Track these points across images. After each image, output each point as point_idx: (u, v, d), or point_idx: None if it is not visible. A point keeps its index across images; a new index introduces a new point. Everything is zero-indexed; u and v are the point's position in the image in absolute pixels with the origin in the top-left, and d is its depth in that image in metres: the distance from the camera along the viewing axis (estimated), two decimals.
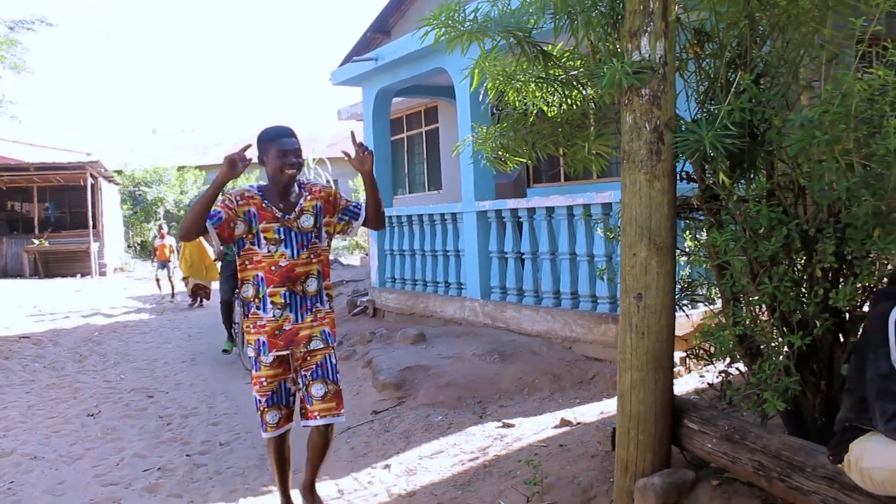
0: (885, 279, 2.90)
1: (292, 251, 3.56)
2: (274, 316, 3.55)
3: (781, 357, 3.16)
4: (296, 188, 3.67)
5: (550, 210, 6.78)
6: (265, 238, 3.55)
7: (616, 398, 3.41)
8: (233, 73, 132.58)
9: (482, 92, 4.18)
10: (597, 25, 3.45)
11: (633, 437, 3.30)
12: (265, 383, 3.63)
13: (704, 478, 3.23)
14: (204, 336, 10.35)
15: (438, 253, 8.49)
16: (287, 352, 3.59)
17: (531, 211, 7.03)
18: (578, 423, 4.68)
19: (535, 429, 4.75)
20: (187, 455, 5.20)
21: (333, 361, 3.70)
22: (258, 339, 3.59)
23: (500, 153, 4.25)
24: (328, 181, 24.22)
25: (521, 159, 4.31)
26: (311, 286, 3.63)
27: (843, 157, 2.87)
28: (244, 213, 3.53)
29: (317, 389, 3.60)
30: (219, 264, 9.13)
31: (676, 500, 3.13)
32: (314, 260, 3.64)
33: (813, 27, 3.18)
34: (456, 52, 3.84)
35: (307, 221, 3.63)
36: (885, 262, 3.02)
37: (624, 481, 3.32)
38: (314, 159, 24.33)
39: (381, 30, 14.40)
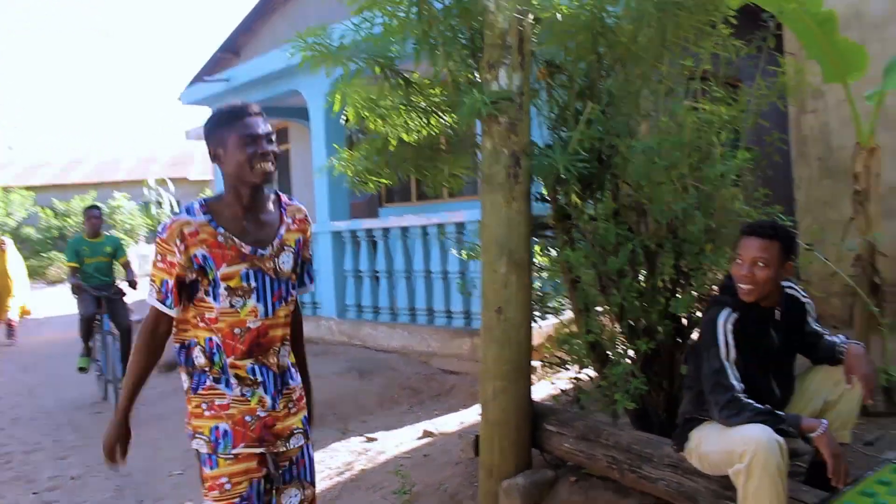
0: (716, 288, 3.27)
1: (265, 306, 2.30)
2: (243, 394, 2.30)
3: (629, 361, 3.47)
4: (271, 203, 2.39)
5: (405, 229, 6.96)
6: (227, 287, 2.24)
7: (475, 407, 3.60)
8: (67, 91, 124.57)
9: (340, 115, 4.29)
10: (457, 56, 3.66)
11: (496, 443, 3.51)
12: (229, 486, 2.27)
13: (563, 475, 3.49)
14: (40, 365, 9.71)
15: None
16: (262, 449, 2.32)
17: (386, 230, 7.19)
18: (440, 434, 4.86)
19: (397, 442, 4.89)
20: (34, 493, 4.92)
21: (311, 454, 2.50)
22: (216, 427, 2.27)
23: (362, 176, 4.38)
24: (171, 203, 23.36)
25: (384, 181, 4.46)
26: (284, 357, 2.41)
27: (679, 181, 3.24)
28: (191, 258, 2.22)
29: (290, 498, 2.40)
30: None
31: (538, 498, 3.37)
32: (287, 319, 2.40)
33: (651, 63, 3.54)
34: (311, 75, 3.92)
35: (287, 263, 2.36)
36: (716, 273, 3.41)
37: (489, 484, 3.52)
38: (155, 179, 23.44)
39: (231, 50, 14.17)
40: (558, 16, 3.58)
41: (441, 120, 4.24)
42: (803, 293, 2.95)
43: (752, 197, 3.49)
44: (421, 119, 4.23)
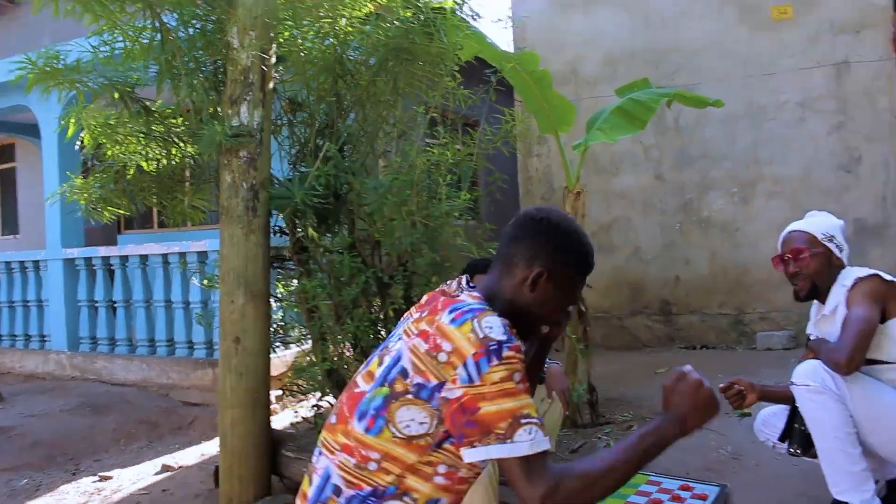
0: None
1: None
2: None
3: None
4: None
5: (145, 258, 6.71)
6: None
7: (216, 439, 3.61)
8: None
9: (75, 139, 4.12)
10: (200, 88, 3.69)
11: (235, 472, 3.54)
12: None
13: None
14: None
15: (17, 304, 7.79)
16: None
17: (124, 258, 6.88)
18: (180, 467, 4.76)
19: (135, 478, 4.71)
20: None
21: None
22: None
23: (97, 205, 4.22)
24: None
25: (120, 211, 4.33)
26: None
27: (409, 217, 3.52)
28: None
29: None
30: None
31: None
32: None
33: (387, 106, 3.81)
34: (44, 93, 3.73)
35: None
36: None
37: None
38: None
39: None
40: (303, 55, 3.75)
41: (182, 150, 4.21)
42: None
43: (475, 233, 3.87)
44: (161, 148, 4.18)
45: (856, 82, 6.43)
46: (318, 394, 4.16)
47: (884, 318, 2.64)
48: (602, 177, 7.13)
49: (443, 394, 1.44)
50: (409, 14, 3.63)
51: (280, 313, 4.50)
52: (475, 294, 1.61)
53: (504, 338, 1.44)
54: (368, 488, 1.50)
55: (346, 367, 3.77)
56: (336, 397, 3.93)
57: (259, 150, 3.56)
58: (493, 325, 1.45)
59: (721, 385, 2.88)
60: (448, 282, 1.68)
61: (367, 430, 1.50)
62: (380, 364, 1.55)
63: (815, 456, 2.74)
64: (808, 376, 2.63)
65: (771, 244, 6.36)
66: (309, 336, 4.26)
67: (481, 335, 1.43)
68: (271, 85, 3.64)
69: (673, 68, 6.69)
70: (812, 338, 2.90)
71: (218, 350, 5.93)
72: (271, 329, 3.91)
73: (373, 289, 3.68)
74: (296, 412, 5.47)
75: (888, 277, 2.71)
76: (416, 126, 3.95)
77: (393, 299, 3.70)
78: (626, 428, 4.42)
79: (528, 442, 1.39)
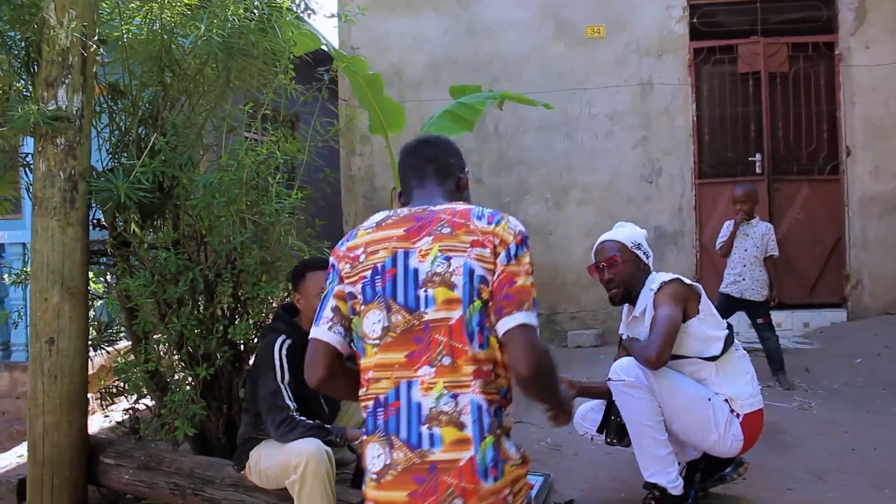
0: (271, 316, 3.51)
1: None
2: None
3: (188, 387, 3.53)
4: None
5: None
6: None
7: (15, 449, 3.35)
8: None
9: None
10: (8, 66, 3.40)
11: (47, 483, 3.29)
12: None
13: None
14: None
15: None
16: None
17: None
18: None
19: None
20: None
21: None
22: None
23: None
24: None
25: None
26: None
27: (238, 215, 3.43)
28: None
29: None
30: None
31: None
32: None
33: (216, 99, 3.69)
34: None
35: None
36: (271, 301, 3.66)
37: None
38: None
39: None
40: (126, 39, 3.55)
41: None
42: None
43: (305, 232, 3.83)
44: None
45: (658, 101, 7.00)
46: (135, 396, 3.96)
47: (685, 318, 2.94)
48: None
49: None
50: (241, 11, 3.54)
51: (92, 312, 4.24)
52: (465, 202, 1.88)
53: (526, 232, 1.75)
54: (498, 398, 1.67)
55: (170, 366, 3.61)
56: (157, 399, 3.73)
57: (79, 137, 3.35)
58: (517, 221, 1.77)
59: None
60: (417, 206, 1.82)
61: (481, 346, 1.64)
62: (450, 288, 1.65)
63: (628, 444, 2.99)
64: (624, 372, 2.87)
65: (581, 247, 6.87)
66: (125, 336, 4.04)
67: (516, 229, 1.72)
68: (93, 69, 3.42)
69: (493, 77, 6.95)
70: (624, 337, 3.16)
71: (17, 351, 5.47)
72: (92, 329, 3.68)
73: (199, 287, 3.55)
74: (106, 416, 5.13)
75: (687, 281, 3.03)
76: (245, 121, 3.85)
77: (220, 298, 3.60)
78: None
79: (536, 315, 1.67)
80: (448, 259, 1.67)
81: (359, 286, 1.72)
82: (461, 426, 1.60)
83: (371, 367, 1.69)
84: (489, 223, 1.70)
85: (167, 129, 3.64)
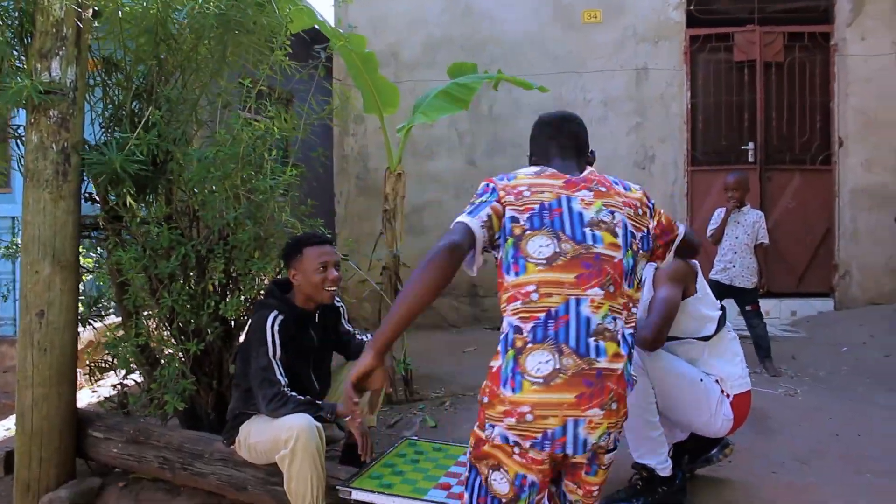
0: (263, 292, 3.52)
1: None
2: None
3: (178, 363, 3.54)
4: None
5: None
6: None
7: (2, 423, 3.34)
8: None
9: None
10: (2, 38, 3.36)
11: (35, 455, 3.30)
12: None
13: (111, 482, 3.42)
14: None
15: None
16: None
17: None
18: None
19: None
20: None
21: None
22: None
23: None
24: None
25: None
26: None
27: (232, 190, 3.42)
28: None
29: None
30: None
31: None
32: None
33: (211, 75, 3.67)
34: None
35: None
36: (263, 278, 3.66)
37: (27, 501, 3.29)
38: None
39: None
40: (121, 13, 3.52)
41: None
42: (338, 298, 3.35)
43: (299, 209, 3.83)
44: None
45: (653, 87, 7.01)
46: (124, 371, 3.95)
47: (683, 297, 2.95)
48: (418, 160, 7.26)
49: (651, 231, 2.09)
50: None
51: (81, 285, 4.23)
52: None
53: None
54: (631, 326, 1.95)
55: (160, 341, 3.61)
56: (147, 374, 3.74)
57: (72, 110, 3.33)
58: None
59: None
60: (571, 174, 2.04)
61: (629, 286, 1.94)
62: (614, 235, 1.94)
63: None
64: None
65: None
66: (115, 310, 4.03)
67: (641, 190, 2.12)
68: (87, 41, 3.40)
69: (490, 59, 6.93)
70: None
71: (4, 325, 5.46)
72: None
73: (191, 263, 3.54)
74: (94, 391, 5.13)
75: (691, 260, 3.03)
76: (241, 97, 3.83)
77: (212, 274, 3.59)
78: (439, 404, 4.58)
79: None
80: (612, 213, 1.96)
81: (525, 215, 1.92)
82: (619, 342, 1.87)
83: (536, 282, 1.87)
84: (625, 188, 2.06)
85: (161, 103, 3.62)
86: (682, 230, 2.23)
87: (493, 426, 1.84)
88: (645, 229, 2.04)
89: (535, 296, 1.85)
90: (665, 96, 7.01)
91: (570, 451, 1.81)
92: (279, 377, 2.90)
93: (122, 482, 3.42)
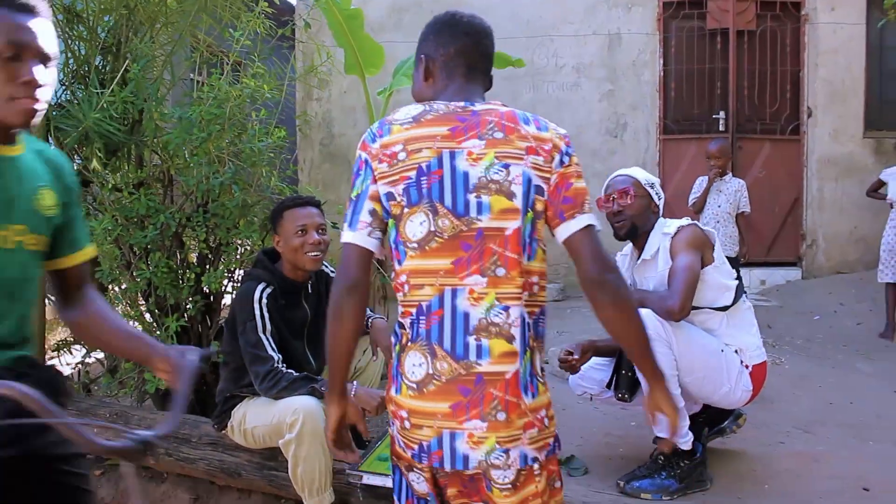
0: (251, 262, 3.28)
1: None
2: None
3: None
4: None
5: None
6: None
7: None
8: None
9: None
10: None
11: None
12: None
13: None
14: None
15: None
16: None
17: None
18: None
19: None
20: None
21: None
22: None
23: None
24: None
25: None
26: None
27: (218, 153, 3.16)
28: None
29: None
30: None
31: None
32: None
33: (188, 30, 3.39)
34: None
35: None
36: (248, 248, 3.42)
37: None
38: None
39: None
40: None
41: None
42: (329, 266, 3.14)
43: (286, 173, 3.60)
44: None
45: (625, 54, 6.89)
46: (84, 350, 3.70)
47: (701, 266, 2.83)
48: None
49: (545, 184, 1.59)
50: None
51: None
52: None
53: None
54: (538, 310, 1.60)
55: (138, 316, 3.34)
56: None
57: None
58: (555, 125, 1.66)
59: (559, 356, 3.01)
60: (456, 101, 1.63)
61: (529, 258, 1.56)
62: (509, 197, 1.54)
63: (631, 400, 2.89)
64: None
65: None
66: None
67: (561, 131, 1.63)
68: None
69: None
70: (629, 283, 3.04)
71: None
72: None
73: (169, 232, 3.28)
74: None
75: (703, 227, 2.91)
76: (217, 55, 3.56)
77: (192, 245, 3.34)
78: None
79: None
80: (507, 167, 1.55)
81: (400, 187, 1.56)
82: (510, 339, 1.53)
83: (409, 271, 1.56)
84: (538, 128, 1.59)
85: (134, 58, 3.33)
86: (580, 221, 1.58)
87: (391, 423, 1.63)
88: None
89: (406, 287, 1.56)
90: (637, 63, 6.89)
91: (447, 466, 1.53)
92: (271, 353, 2.68)
93: (99, 470, 3.16)
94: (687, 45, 7.00)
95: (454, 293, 1.53)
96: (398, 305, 1.59)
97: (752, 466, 3.12)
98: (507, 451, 1.51)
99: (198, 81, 3.72)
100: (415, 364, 1.54)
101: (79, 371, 3.91)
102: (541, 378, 1.59)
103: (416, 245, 1.55)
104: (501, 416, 1.50)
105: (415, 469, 1.60)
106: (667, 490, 2.83)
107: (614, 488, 2.87)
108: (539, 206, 1.57)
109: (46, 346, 3.94)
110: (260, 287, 2.76)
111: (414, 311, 1.56)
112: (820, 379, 4.41)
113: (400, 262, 1.57)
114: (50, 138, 3.19)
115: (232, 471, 2.83)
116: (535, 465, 1.55)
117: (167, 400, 3.49)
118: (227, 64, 3.44)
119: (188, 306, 3.33)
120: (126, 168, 3.47)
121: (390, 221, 1.58)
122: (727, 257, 5.06)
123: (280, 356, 2.69)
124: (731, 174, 5.36)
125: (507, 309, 1.53)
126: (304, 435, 2.50)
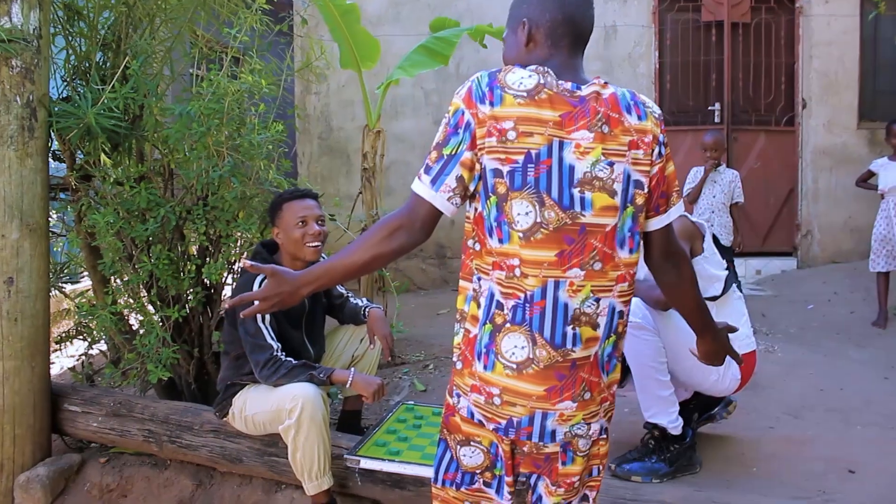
0: (251, 254, 3.34)
1: None
2: None
3: (160, 330, 3.35)
4: None
5: None
6: None
7: None
8: None
9: None
10: None
11: (7, 433, 3.08)
12: None
13: (91, 457, 3.23)
14: None
15: None
16: None
17: None
18: None
19: None
20: None
21: None
22: None
23: None
24: None
25: None
26: None
27: (217, 146, 3.22)
28: None
29: None
30: None
31: (64, 486, 3.07)
32: None
33: (187, 26, 3.44)
34: None
35: None
36: (247, 240, 3.48)
37: (1, 482, 3.09)
38: None
39: None
40: None
41: None
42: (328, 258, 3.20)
43: (283, 166, 3.65)
44: None
45: (621, 46, 6.94)
46: (92, 341, 3.75)
47: (690, 256, 2.89)
48: (383, 119, 7.01)
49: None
50: None
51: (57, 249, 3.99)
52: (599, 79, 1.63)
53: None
54: (628, 298, 1.66)
55: (140, 308, 3.40)
56: (123, 343, 3.53)
57: (37, 59, 3.08)
58: (652, 101, 1.64)
59: None
60: (565, 80, 1.57)
61: (631, 251, 1.61)
62: (611, 195, 1.56)
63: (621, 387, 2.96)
64: (632, 313, 2.80)
65: None
66: (90, 276, 3.81)
67: (657, 113, 1.64)
68: None
69: (457, 14, 6.70)
70: None
71: None
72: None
73: (170, 225, 3.34)
74: (51, 362, 4.88)
75: (693, 218, 2.98)
76: (217, 50, 3.61)
77: (192, 237, 3.40)
78: (422, 367, 4.48)
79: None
80: (611, 165, 1.56)
81: (507, 168, 1.53)
82: (596, 326, 1.60)
83: (516, 255, 1.55)
84: (639, 117, 1.58)
85: (134, 54, 3.38)
86: (672, 214, 1.68)
87: (460, 396, 1.65)
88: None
89: (518, 272, 1.56)
90: (633, 55, 6.95)
91: (535, 440, 1.60)
92: (270, 341, 2.75)
93: (104, 457, 3.23)
94: (682, 37, 7.06)
95: (556, 285, 1.55)
96: (493, 280, 1.59)
97: (741, 450, 3.20)
98: (588, 425, 1.62)
99: (197, 76, 3.77)
100: (516, 346, 1.57)
101: (82, 362, 3.98)
102: (618, 357, 1.67)
103: (521, 234, 1.54)
104: (587, 396, 1.59)
105: (472, 442, 1.66)
106: (657, 473, 2.90)
107: (606, 471, 2.94)
108: (639, 201, 1.60)
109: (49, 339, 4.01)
110: (259, 278, 2.83)
111: (522, 296, 1.56)
112: (812, 366, 4.48)
113: (501, 242, 1.56)
114: (52, 134, 3.24)
115: (233, 457, 2.90)
116: (605, 434, 1.68)
117: (169, 390, 3.56)
118: (227, 59, 3.48)
119: (189, 297, 3.39)
120: (127, 162, 3.53)
121: (491, 198, 1.55)
122: (722, 247, 5.20)
123: (279, 345, 2.77)
124: (724, 165, 5.42)
125: (598, 300, 1.58)
126: (304, 421, 2.56)
